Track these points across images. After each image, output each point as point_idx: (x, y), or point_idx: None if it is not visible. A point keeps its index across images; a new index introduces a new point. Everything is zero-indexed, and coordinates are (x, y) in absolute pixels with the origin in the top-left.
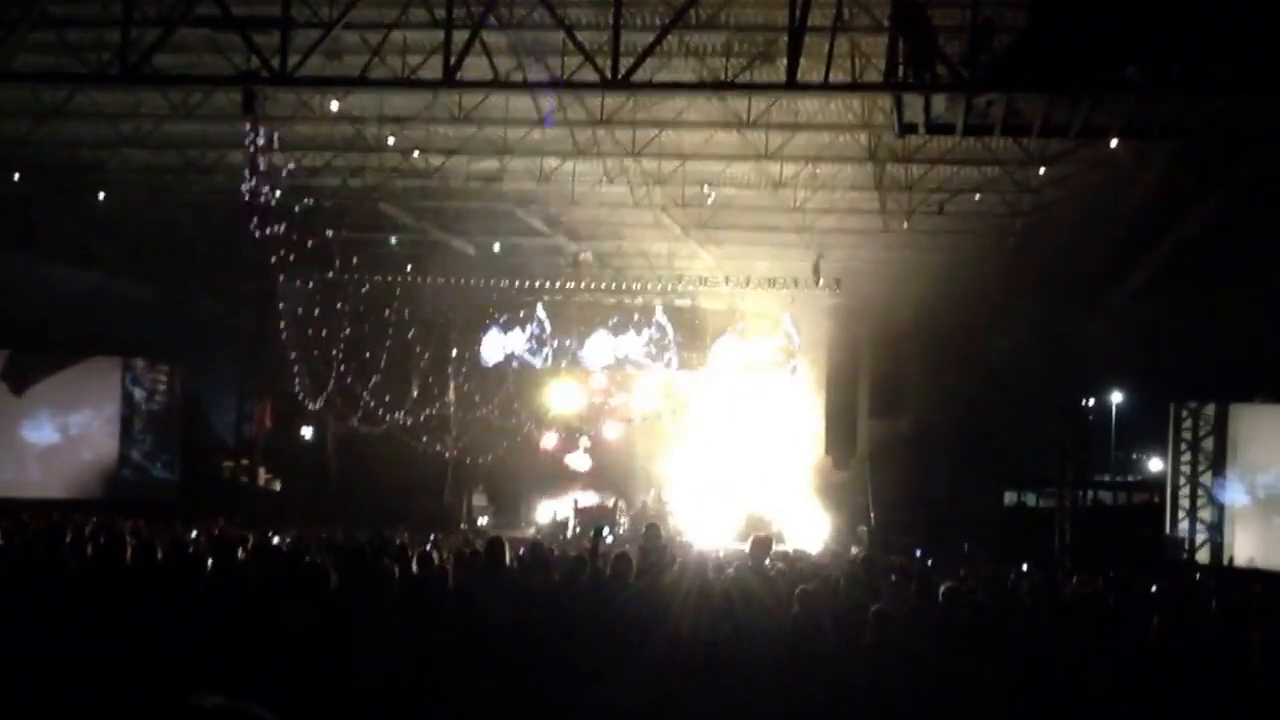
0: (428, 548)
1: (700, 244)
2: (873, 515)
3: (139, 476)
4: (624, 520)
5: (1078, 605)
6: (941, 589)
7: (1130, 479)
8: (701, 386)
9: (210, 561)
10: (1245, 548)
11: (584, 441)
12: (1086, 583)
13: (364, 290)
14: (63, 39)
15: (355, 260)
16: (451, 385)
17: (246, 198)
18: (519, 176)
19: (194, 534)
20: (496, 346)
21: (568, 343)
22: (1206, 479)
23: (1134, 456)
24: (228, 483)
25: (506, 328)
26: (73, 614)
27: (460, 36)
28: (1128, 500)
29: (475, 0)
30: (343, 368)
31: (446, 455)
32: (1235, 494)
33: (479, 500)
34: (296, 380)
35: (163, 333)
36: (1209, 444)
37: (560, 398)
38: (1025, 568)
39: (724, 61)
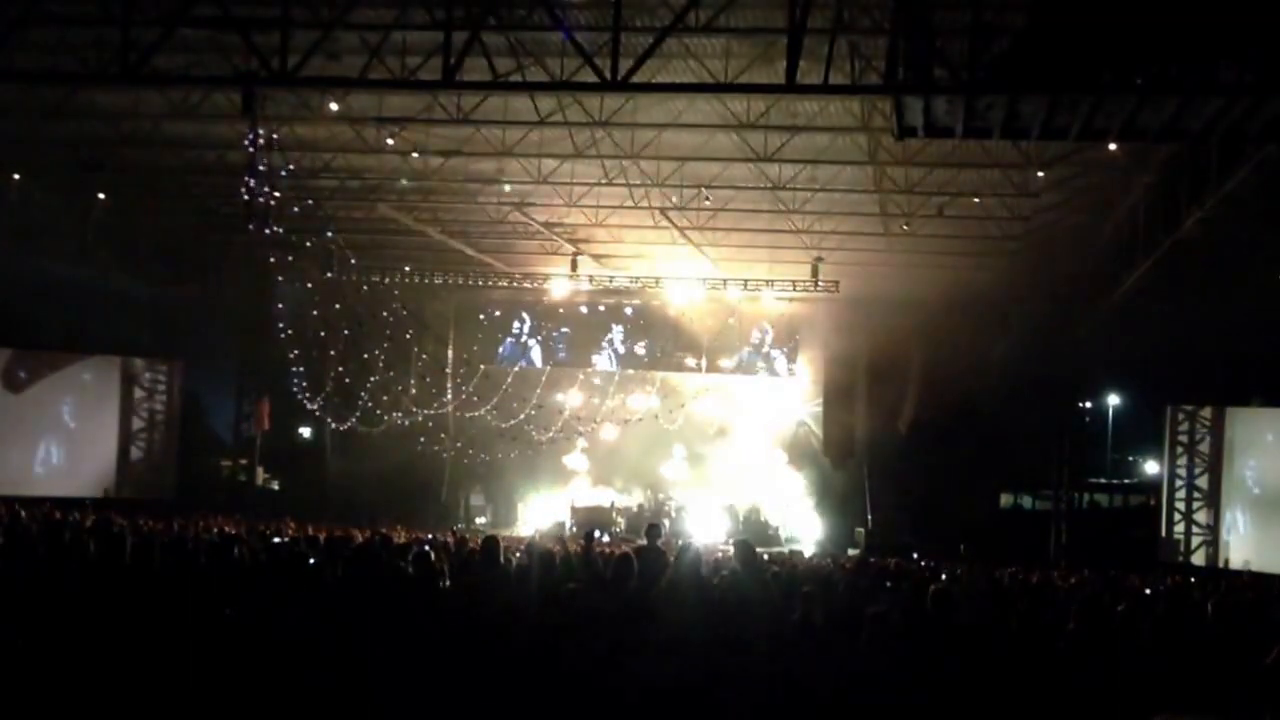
0: (425, 547)
1: (699, 246)
2: (870, 516)
3: (138, 475)
4: (620, 520)
5: (1072, 607)
6: (930, 591)
7: (1126, 481)
8: (699, 387)
9: (208, 560)
10: (1240, 550)
11: (581, 442)
12: (1082, 584)
13: (363, 290)
14: (63, 38)
15: (354, 260)
16: (450, 385)
17: (246, 198)
18: (518, 177)
19: (192, 532)
20: (497, 346)
21: (566, 343)
22: (1203, 482)
23: (1130, 459)
24: (226, 482)
25: (507, 330)
26: (73, 611)
27: (460, 37)
28: (1124, 503)
29: (475, 1)
30: (341, 368)
31: (445, 455)
32: (1230, 497)
33: (477, 500)
34: (295, 380)
35: (162, 332)
36: (1205, 447)
37: (558, 398)
38: (1020, 569)
39: (723, 63)
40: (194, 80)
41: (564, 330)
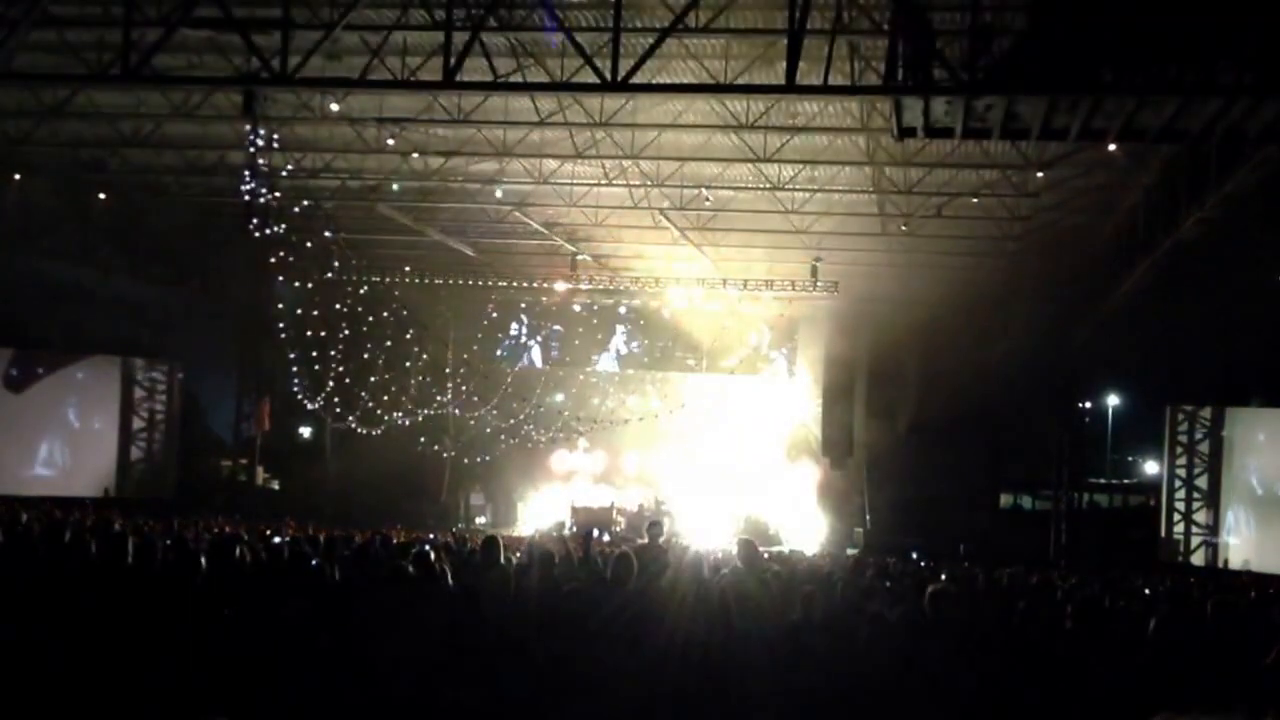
0: (425, 547)
1: (698, 246)
2: (869, 517)
3: (138, 475)
4: (620, 520)
5: (1072, 607)
6: (930, 591)
7: (1126, 482)
8: (699, 388)
9: (208, 560)
10: (1240, 551)
11: (581, 442)
12: (1081, 585)
13: (363, 290)
14: (64, 39)
15: (354, 261)
16: (450, 385)
17: (246, 198)
18: (518, 178)
19: (193, 532)
20: (496, 346)
21: (566, 343)
22: (1202, 482)
23: (1130, 459)
24: (226, 482)
25: (506, 330)
26: (73, 612)
27: (460, 38)
28: (1123, 503)
29: (475, 2)
30: (341, 368)
31: (445, 455)
32: (1230, 497)
33: (476, 500)
34: (295, 380)
35: (162, 332)
36: (1204, 447)
37: (558, 398)
38: (1021, 569)
39: (723, 63)
40: (195, 81)
41: (563, 330)
